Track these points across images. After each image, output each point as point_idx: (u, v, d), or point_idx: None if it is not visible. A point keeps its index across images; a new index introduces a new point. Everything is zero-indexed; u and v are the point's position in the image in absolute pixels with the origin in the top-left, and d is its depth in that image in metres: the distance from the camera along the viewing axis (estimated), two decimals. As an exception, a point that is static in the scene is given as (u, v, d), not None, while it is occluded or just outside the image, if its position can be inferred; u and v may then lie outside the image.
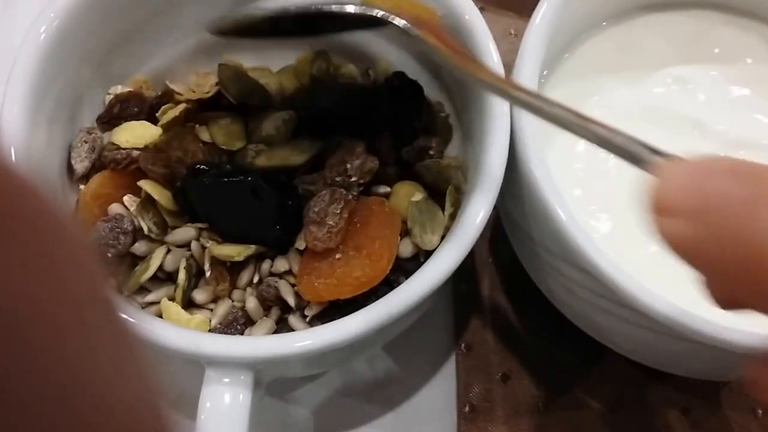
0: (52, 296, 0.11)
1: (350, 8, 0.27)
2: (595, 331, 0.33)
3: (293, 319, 0.31)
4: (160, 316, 0.31)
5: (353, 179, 0.32)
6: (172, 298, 0.31)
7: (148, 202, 0.32)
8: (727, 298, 0.20)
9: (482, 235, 0.29)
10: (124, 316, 0.13)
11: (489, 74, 0.26)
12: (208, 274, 0.32)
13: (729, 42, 0.36)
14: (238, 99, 0.35)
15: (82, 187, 0.33)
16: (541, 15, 0.32)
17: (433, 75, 0.36)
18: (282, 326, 0.31)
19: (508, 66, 0.32)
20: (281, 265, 0.32)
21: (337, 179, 0.32)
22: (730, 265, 0.18)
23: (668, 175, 0.19)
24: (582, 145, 0.34)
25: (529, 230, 0.32)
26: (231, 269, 0.32)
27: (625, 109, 0.35)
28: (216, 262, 0.32)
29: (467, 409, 0.36)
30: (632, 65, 0.36)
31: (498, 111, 0.30)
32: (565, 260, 0.30)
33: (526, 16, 0.33)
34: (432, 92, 0.36)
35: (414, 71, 0.36)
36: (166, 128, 0.33)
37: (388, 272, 0.30)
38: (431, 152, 0.34)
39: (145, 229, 0.31)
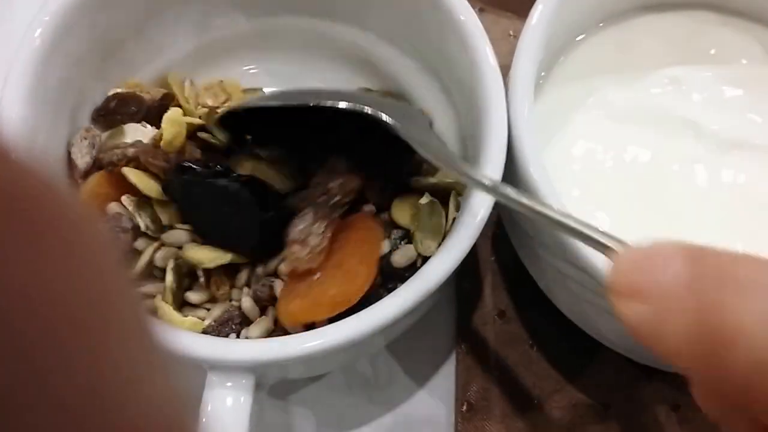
0: (79, 297, 0.10)
1: (342, 104, 0.29)
2: (592, 328, 0.34)
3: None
4: (155, 313, 0.31)
5: (336, 198, 0.31)
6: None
7: (143, 201, 0.32)
8: (714, 400, 0.20)
9: (484, 234, 0.29)
10: (148, 315, 0.13)
11: (474, 172, 0.27)
12: (201, 279, 0.31)
13: (724, 43, 0.37)
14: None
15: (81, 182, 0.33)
16: (537, 17, 0.32)
17: (432, 77, 0.36)
18: (279, 327, 0.31)
19: (507, 68, 0.32)
20: (277, 264, 0.32)
21: (321, 199, 0.31)
22: (700, 355, 0.17)
23: (623, 258, 0.20)
24: (580, 145, 0.34)
25: (528, 230, 0.32)
26: (228, 268, 0.32)
27: (622, 111, 0.35)
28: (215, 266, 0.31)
29: (465, 408, 0.36)
30: (629, 66, 0.36)
31: (496, 113, 0.30)
32: (563, 259, 0.30)
33: (525, 17, 0.33)
34: (432, 94, 0.36)
35: (413, 73, 0.36)
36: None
37: (366, 290, 0.29)
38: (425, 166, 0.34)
39: (142, 226, 0.31)
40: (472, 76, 0.31)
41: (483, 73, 0.31)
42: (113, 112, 0.35)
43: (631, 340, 0.32)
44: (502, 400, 0.36)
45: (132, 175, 0.32)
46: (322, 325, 0.28)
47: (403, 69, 0.37)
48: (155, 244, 0.32)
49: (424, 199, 0.32)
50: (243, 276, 0.32)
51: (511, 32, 0.43)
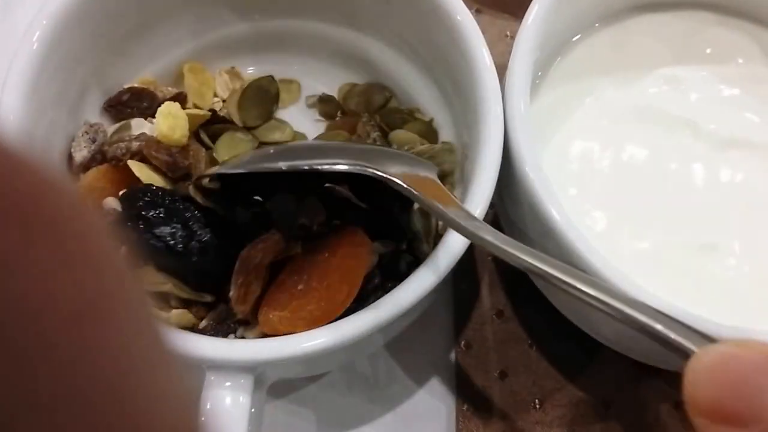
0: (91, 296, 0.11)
1: (342, 167, 0.28)
2: (590, 327, 0.34)
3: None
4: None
5: (257, 259, 0.30)
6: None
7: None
8: None
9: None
10: (155, 315, 0.13)
11: (485, 228, 0.26)
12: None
13: (721, 42, 0.37)
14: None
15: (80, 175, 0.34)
16: (532, 17, 0.33)
17: (430, 78, 0.37)
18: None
19: (504, 68, 0.32)
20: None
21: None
22: None
23: (705, 366, 0.16)
24: (577, 145, 0.34)
25: (525, 229, 0.32)
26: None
27: (618, 110, 0.35)
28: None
29: (465, 406, 0.36)
30: (625, 66, 0.36)
31: (493, 114, 0.30)
32: (560, 258, 0.30)
33: (521, 18, 0.33)
34: (429, 95, 0.36)
35: (413, 74, 0.36)
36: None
37: (347, 306, 0.29)
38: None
39: None
40: (469, 76, 0.32)
41: (479, 74, 0.31)
42: (125, 105, 0.35)
43: (630, 339, 0.33)
44: (502, 399, 0.36)
45: (136, 167, 0.32)
46: None
47: (400, 70, 0.37)
48: None
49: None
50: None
51: (508, 33, 0.43)
